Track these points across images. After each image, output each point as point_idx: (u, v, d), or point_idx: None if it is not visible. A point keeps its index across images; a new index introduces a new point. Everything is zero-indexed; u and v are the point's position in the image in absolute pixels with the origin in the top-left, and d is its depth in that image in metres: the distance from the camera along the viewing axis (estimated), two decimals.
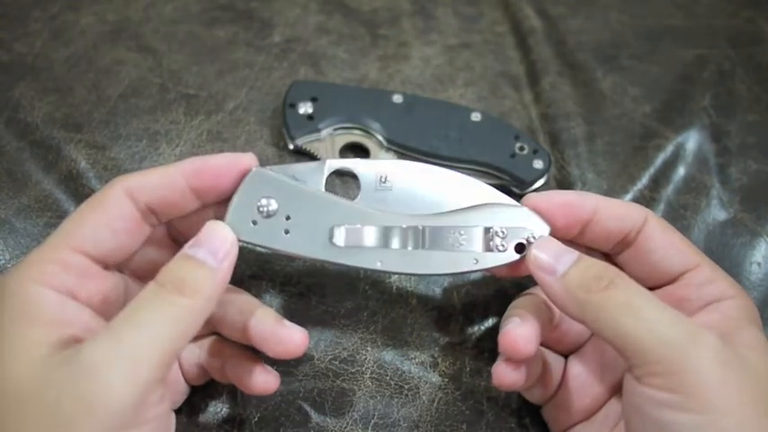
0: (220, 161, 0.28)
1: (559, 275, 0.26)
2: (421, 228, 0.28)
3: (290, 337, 0.28)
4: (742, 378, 0.23)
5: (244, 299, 0.30)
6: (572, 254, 0.27)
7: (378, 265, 0.28)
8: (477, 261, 0.28)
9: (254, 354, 0.29)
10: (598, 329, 0.25)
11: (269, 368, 0.30)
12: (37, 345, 0.23)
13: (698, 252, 0.28)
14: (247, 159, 0.28)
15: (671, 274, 0.28)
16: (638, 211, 0.29)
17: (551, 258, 0.27)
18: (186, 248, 0.26)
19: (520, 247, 0.28)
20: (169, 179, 0.27)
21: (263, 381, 0.29)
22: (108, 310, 0.26)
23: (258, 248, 0.28)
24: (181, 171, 0.27)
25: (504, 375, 0.28)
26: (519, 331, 0.27)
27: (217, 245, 0.26)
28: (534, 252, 0.27)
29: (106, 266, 0.27)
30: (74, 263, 0.25)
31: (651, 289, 0.27)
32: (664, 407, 0.23)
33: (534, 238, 0.28)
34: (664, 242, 0.28)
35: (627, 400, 0.25)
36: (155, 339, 0.23)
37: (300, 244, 0.28)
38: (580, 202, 0.28)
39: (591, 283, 0.25)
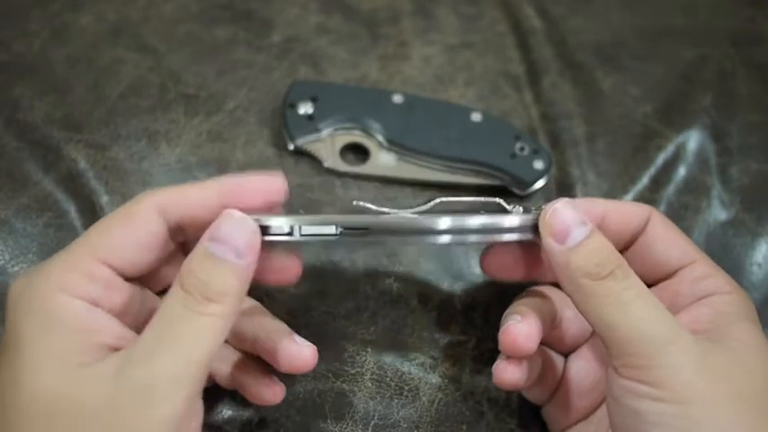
0: (256, 184, 0.27)
1: (566, 248, 0.26)
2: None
3: (299, 354, 0.28)
4: (721, 372, 0.24)
5: (255, 309, 0.30)
6: (585, 227, 0.26)
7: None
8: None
9: (262, 364, 0.29)
10: (584, 312, 0.25)
11: (276, 379, 0.29)
12: (68, 354, 0.23)
13: (696, 249, 0.29)
14: (278, 181, 0.27)
15: (668, 269, 0.28)
16: (642, 210, 0.29)
17: (564, 226, 0.26)
18: (206, 242, 0.24)
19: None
20: (204, 198, 0.26)
21: (271, 393, 0.29)
22: (127, 318, 0.26)
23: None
24: (217, 190, 0.26)
25: (505, 373, 0.28)
26: (519, 328, 0.27)
27: (237, 238, 0.24)
28: (549, 217, 0.26)
29: (126, 278, 0.26)
30: (99, 274, 0.25)
31: (649, 285, 0.27)
32: (640, 397, 0.24)
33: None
34: (664, 238, 0.28)
35: (608, 391, 0.26)
36: (191, 354, 0.22)
37: None
38: (590, 210, 0.28)
39: (591, 270, 0.25)
